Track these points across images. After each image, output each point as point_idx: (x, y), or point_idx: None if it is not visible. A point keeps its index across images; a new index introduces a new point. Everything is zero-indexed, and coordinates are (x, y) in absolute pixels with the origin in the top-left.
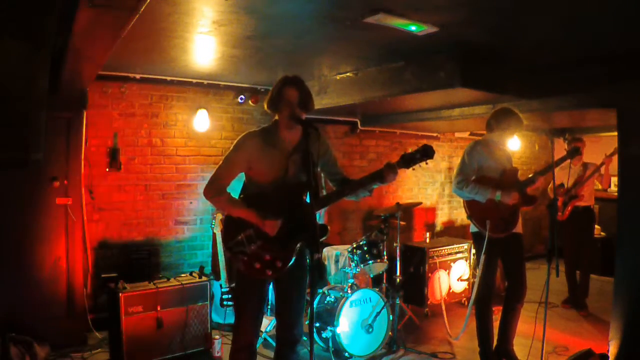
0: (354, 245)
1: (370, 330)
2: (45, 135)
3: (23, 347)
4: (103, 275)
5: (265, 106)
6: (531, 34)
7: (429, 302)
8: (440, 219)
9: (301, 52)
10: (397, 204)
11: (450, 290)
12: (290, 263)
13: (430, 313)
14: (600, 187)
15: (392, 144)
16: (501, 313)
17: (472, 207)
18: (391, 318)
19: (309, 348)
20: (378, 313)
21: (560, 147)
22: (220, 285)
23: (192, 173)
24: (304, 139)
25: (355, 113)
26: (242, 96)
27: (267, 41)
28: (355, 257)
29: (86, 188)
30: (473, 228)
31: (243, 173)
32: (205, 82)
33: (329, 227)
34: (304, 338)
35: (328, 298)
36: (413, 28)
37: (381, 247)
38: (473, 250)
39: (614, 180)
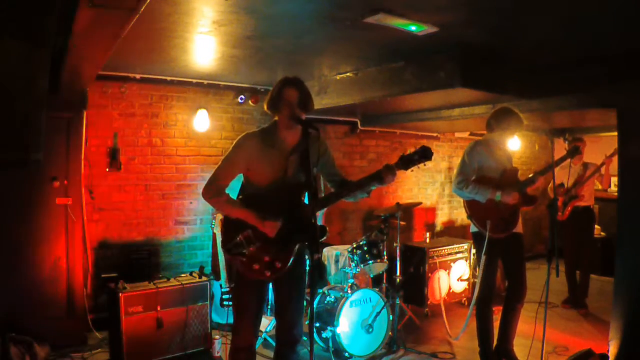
0: (354, 245)
1: (370, 330)
2: (45, 135)
3: (23, 347)
4: (103, 275)
5: (265, 107)
6: (531, 34)
7: (429, 302)
8: (440, 219)
9: (301, 52)
10: (397, 204)
11: (450, 290)
12: (289, 264)
13: (430, 313)
14: (600, 187)
15: (392, 144)
16: (501, 313)
17: (472, 207)
18: (391, 318)
19: (309, 348)
20: (378, 313)
21: (560, 147)
22: (220, 285)
23: (192, 173)
24: (304, 139)
25: (355, 113)
26: (242, 96)
27: (267, 41)
28: (355, 257)
29: (86, 188)
30: (473, 228)
31: (242, 174)
32: (205, 82)
33: (327, 228)
34: (304, 338)
35: (328, 298)
36: (413, 28)
37: (381, 247)
38: (473, 250)
39: (614, 180)
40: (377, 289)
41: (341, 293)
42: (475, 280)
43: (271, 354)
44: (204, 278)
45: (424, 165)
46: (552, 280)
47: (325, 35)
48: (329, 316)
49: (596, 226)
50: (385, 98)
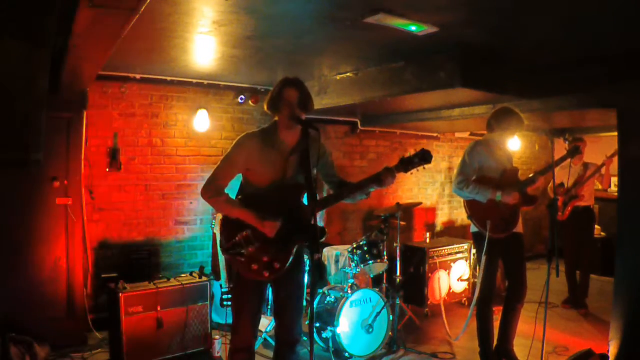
0: (354, 245)
1: (370, 330)
2: (45, 135)
3: (23, 347)
4: (103, 275)
5: (265, 107)
6: (531, 34)
7: (429, 302)
8: (440, 219)
9: (301, 52)
10: (397, 204)
11: (450, 290)
12: (288, 264)
13: (430, 313)
14: (600, 187)
15: (392, 144)
16: (501, 313)
17: (472, 207)
18: (391, 318)
19: (309, 348)
20: (378, 313)
21: (560, 147)
22: (220, 285)
23: (192, 173)
24: (303, 139)
25: (355, 113)
26: (242, 96)
27: (267, 41)
28: (355, 257)
29: (86, 188)
30: (473, 228)
31: (240, 174)
32: (205, 82)
33: (326, 230)
34: (304, 338)
35: (328, 298)
36: (413, 28)
37: (381, 247)
38: (473, 250)
39: (614, 180)
40: (377, 289)
41: (341, 293)
42: (475, 280)
43: (271, 354)
44: (204, 278)
45: (423, 168)
46: (552, 280)
47: (325, 35)
48: (329, 316)
49: (596, 226)
50: (385, 98)
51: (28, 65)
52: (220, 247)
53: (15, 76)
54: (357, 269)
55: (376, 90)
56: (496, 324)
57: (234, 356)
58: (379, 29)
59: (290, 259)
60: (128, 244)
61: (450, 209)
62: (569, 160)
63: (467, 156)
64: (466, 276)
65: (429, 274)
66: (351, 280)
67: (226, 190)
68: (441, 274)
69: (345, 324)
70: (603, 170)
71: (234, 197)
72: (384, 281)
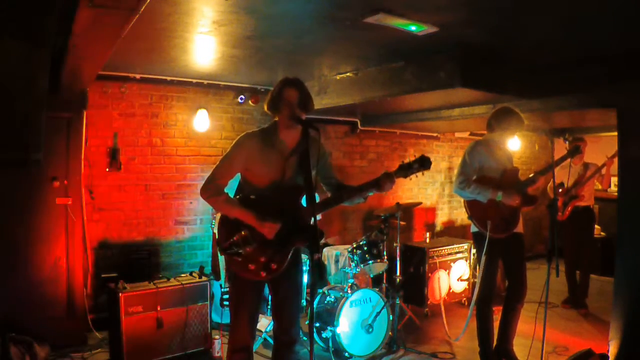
0: (354, 245)
1: (370, 330)
2: (45, 135)
3: (23, 347)
4: (103, 275)
5: (265, 107)
6: (531, 34)
7: (429, 302)
8: (440, 219)
9: (301, 52)
10: (397, 204)
11: (450, 290)
12: (285, 265)
13: (430, 313)
14: (600, 187)
15: (392, 144)
16: (501, 313)
17: (473, 208)
18: (391, 318)
19: (308, 348)
20: (378, 313)
21: (561, 147)
22: (220, 285)
23: (192, 173)
24: (303, 140)
25: (355, 113)
26: (242, 96)
27: (267, 41)
28: (355, 257)
29: (86, 188)
30: (474, 228)
31: (239, 173)
32: (205, 82)
33: (324, 232)
34: (304, 338)
35: (328, 298)
36: (413, 28)
37: (381, 247)
38: (473, 250)
39: (614, 180)
40: (377, 289)
41: (341, 293)
42: (475, 280)
43: (271, 354)
44: (204, 278)
45: (422, 174)
46: (552, 280)
47: (325, 35)
48: (329, 316)
49: (596, 226)
50: (385, 98)
51: (28, 65)
52: (218, 245)
53: (15, 76)
54: (357, 269)
55: (376, 90)
56: (496, 324)
57: (233, 356)
58: (379, 29)
59: (288, 260)
60: (128, 244)
61: (450, 209)
62: (569, 160)
63: (468, 156)
64: (466, 276)
65: (429, 274)
66: (351, 280)
67: (225, 190)
68: (441, 274)
69: (345, 324)
70: (604, 170)
71: (232, 197)
72: (384, 281)
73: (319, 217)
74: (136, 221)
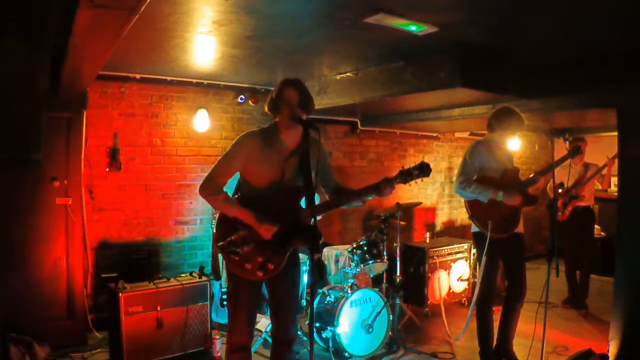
0: (354, 245)
1: (370, 330)
2: (45, 135)
3: (23, 347)
4: (103, 275)
5: (266, 108)
6: (531, 34)
7: (429, 302)
8: (440, 219)
9: (301, 52)
10: (397, 204)
11: (450, 290)
12: (282, 266)
13: (430, 313)
14: (600, 187)
15: (392, 144)
16: (501, 313)
17: (473, 208)
18: (391, 318)
19: (309, 348)
20: (378, 313)
21: (561, 147)
22: (220, 285)
23: (192, 173)
24: (304, 141)
25: (355, 113)
26: (242, 96)
27: (267, 41)
28: (355, 257)
29: (86, 188)
30: (474, 228)
31: (238, 173)
32: (205, 82)
33: (322, 233)
34: (304, 338)
35: (328, 298)
36: (413, 28)
37: (381, 247)
38: (473, 251)
39: (614, 180)
40: (377, 289)
41: (341, 293)
42: (475, 280)
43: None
44: (204, 278)
45: (422, 180)
46: (552, 280)
47: (325, 35)
48: (329, 316)
49: (596, 226)
50: (385, 98)
51: (28, 65)
52: (216, 243)
53: (15, 76)
54: (357, 269)
55: (376, 90)
56: (496, 324)
57: (231, 356)
58: (379, 29)
59: (285, 261)
60: (128, 244)
61: (450, 209)
62: (569, 160)
63: (468, 156)
64: (466, 276)
65: (429, 274)
66: (351, 280)
67: (224, 189)
68: (441, 274)
69: (345, 324)
70: (605, 171)
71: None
72: (384, 281)
73: (319, 217)
74: (136, 221)
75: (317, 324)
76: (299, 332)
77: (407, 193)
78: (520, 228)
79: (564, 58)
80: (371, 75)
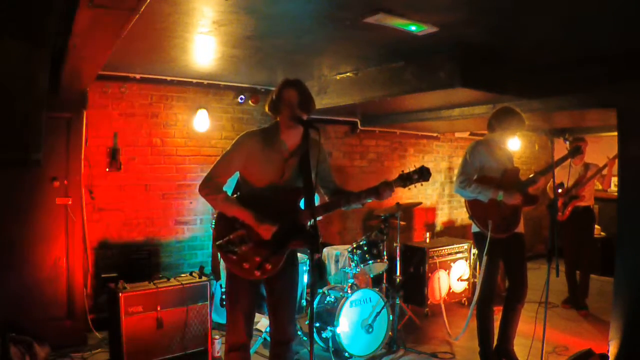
0: (354, 245)
1: (370, 330)
2: (45, 135)
3: (23, 347)
4: (103, 275)
5: (267, 108)
6: (531, 34)
7: (429, 302)
8: (440, 219)
9: (301, 52)
10: (397, 204)
11: (450, 290)
12: (280, 266)
13: (430, 313)
14: (600, 187)
15: (392, 144)
16: (501, 313)
17: (474, 207)
18: (391, 318)
19: (309, 348)
20: (378, 313)
21: (561, 147)
22: (221, 285)
23: (192, 173)
24: (304, 142)
25: (355, 113)
26: (242, 96)
27: (267, 41)
28: (355, 257)
29: (86, 188)
30: (475, 228)
31: (238, 172)
32: (205, 82)
33: (322, 233)
34: (304, 338)
35: (328, 298)
36: (413, 28)
37: (381, 247)
38: (473, 251)
39: (614, 180)
40: (377, 289)
41: (341, 293)
42: (475, 280)
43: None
44: (204, 278)
45: (421, 184)
46: (552, 280)
47: (325, 35)
48: (329, 316)
49: (596, 226)
50: (385, 98)
51: (28, 65)
52: (214, 242)
53: (15, 76)
54: (357, 269)
55: (376, 90)
56: (496, 324)
57: (229, 355)
58: (379, 29)
59: (283, 261)
60: (128, 244)
61: (450, 209)
62: (569, 160)
63: (469, 156)
64: (466, 276)
65: (429, 274)
66: (351, 280)
67: (224, 188)
68: (441, 274)
69: (345, 324)
70: (605, 171)
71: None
72: (384, 281)
73: (318, 218)
74: (136, 221)
75: (317, 324)
76: (299, 332)
77: (407, 193)
78: (520, 228)
79: (564, 58)
80: (371, 75)
